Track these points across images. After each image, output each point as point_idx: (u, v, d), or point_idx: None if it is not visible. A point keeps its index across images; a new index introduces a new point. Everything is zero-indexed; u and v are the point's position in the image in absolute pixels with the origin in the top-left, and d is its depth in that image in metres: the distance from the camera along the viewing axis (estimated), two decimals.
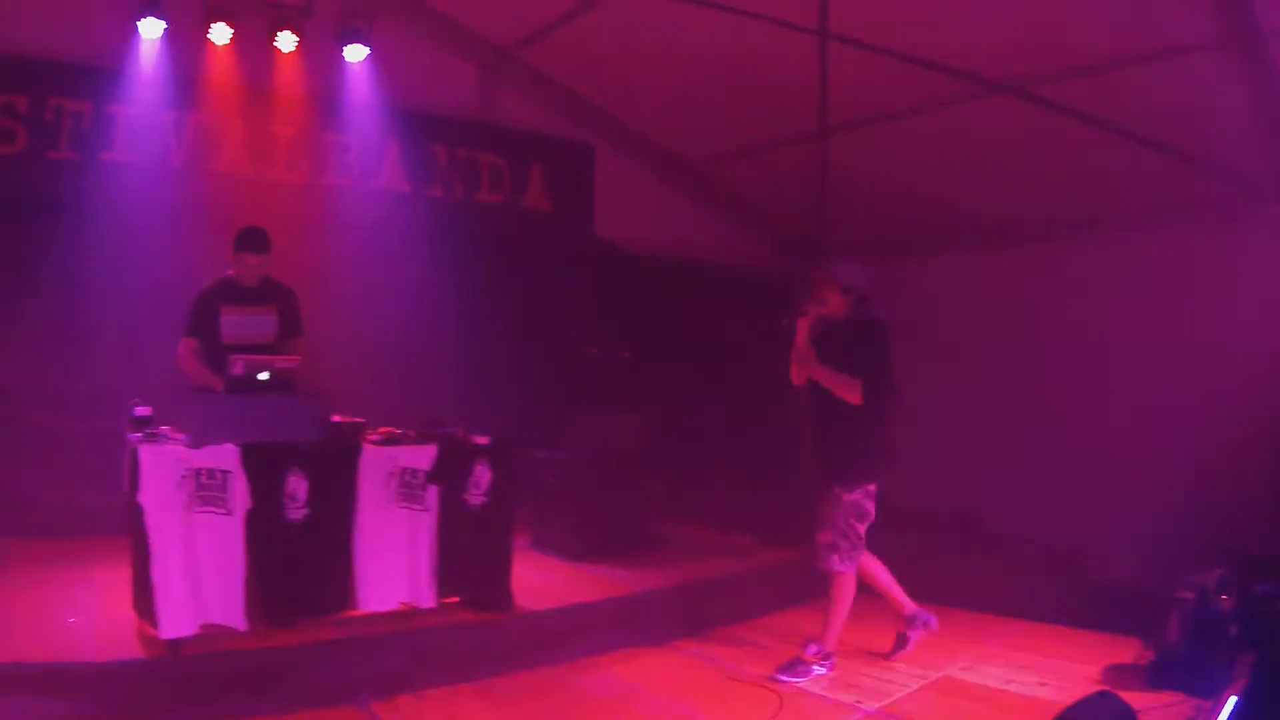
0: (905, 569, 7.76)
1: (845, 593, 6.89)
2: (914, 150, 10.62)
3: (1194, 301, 9.73)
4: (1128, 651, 7.18)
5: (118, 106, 9.13)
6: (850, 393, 6.63)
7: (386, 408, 7.63)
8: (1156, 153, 9.11)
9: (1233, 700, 5.53)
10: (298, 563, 6.29)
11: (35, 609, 6.47)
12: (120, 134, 9.15)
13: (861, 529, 6.82)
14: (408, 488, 6.78)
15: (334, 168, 10.48)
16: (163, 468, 5.84)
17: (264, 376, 6.45)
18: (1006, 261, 11.55)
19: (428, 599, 6.84)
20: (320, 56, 9.94)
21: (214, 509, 5.98)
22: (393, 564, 6.73)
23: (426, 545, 6.84)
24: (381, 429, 7.07)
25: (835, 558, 6.77)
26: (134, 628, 6.10)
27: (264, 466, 6.16)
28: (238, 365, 6.41)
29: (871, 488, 6.84)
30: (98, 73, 8.99)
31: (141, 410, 6.32)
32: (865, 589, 7.17)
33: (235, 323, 7.23)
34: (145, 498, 5.78)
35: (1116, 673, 6.95)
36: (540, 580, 8.05)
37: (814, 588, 7.37)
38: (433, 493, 6.85)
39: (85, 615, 6.40)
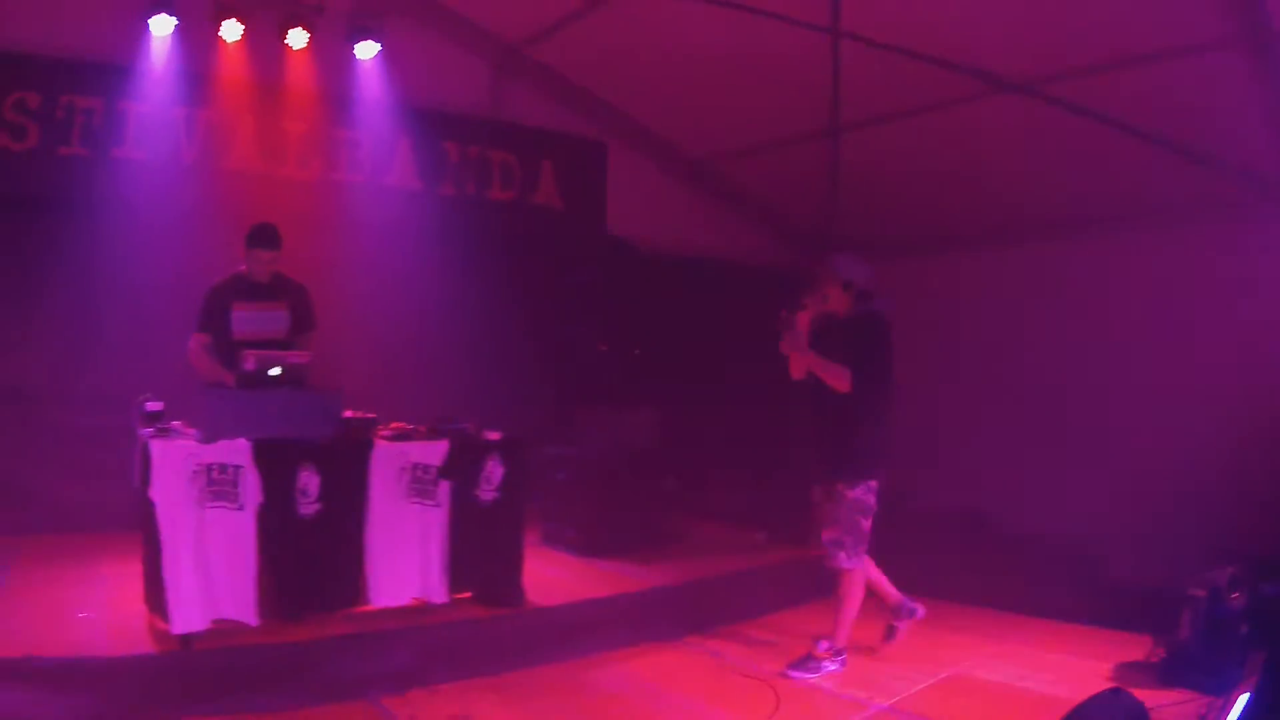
0: (915, 567, 7.77)
1: (854, 589, 6.89)
2: (925, 148, 10.58)
3: (1204, 300, 9.70)
4: (1139, 649, 7.15)
5: (129, 103, 9.14)
6: (839, 380, 6.62)
7: (398, 403, 7.64)
8: (1167, 151, 9.08)
9: (1244, 698, 5.52)
10: (309, 558, 6.30)
11: (47, 604, 6.49)
12: (131, 130, 9.16)
13: (866, 524, 6.80)
14: (419, 483, 6.79)
15: (345, 165, 10.48)
16: (174, 463, 5.85)
17: (275, 372, 6.46)
18: (1015, 260, 11.52)
19: (439, 594, 6.86)
20: (331, 53, 9.94)
21: (225, 504, 6.00)
22: (404, 559, 6.75)
23: (438, 540, 6.85)
24: (393, 424, 7.10)
25: (842, 554, 6.76)
26: (145, 622, 6.13)
27: (276, 462, 6.17)
28: (249, 361, 6.41)
29: (874, 483, 6.83)
30: (109, 69, 9.01)
31: (153, 405, 6.33)
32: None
33: (247, 318, 7.24)
34: (156, 493, 5.79)
35: (1128, 670, 6.94)
36: (551, 576, 8.06)
37: (825, 585, 7.35)
38: (444, 488, 6.86)
39: (97, 610, 6.43)
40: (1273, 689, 5.57)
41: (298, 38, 9.57)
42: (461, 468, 6.96)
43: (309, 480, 6.28)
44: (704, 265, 12.73)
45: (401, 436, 6.91)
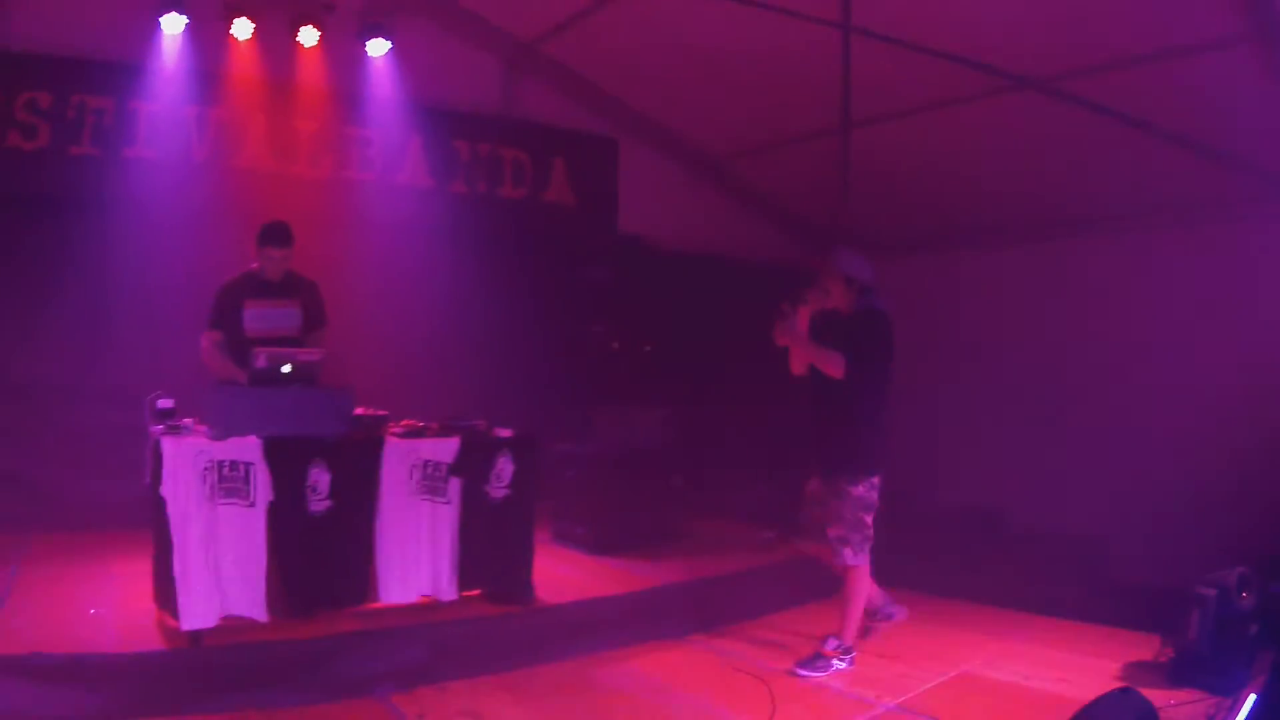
0: (923, 566, 7.74)
1: (860, 586, 6.86)
2: (937, 145, 10.57)
3: (1214, 299, 9.67)
4: (1147, 649, 7.11)
5: (140, 102, 9.18)
6: (833, 366, 6.58)
7: (409, 401, 7.67)
8: (1181, 148, 9.05)
9: (1252, 698, 5.50)
10: (319, 555, 6.30)
11: (57, 600, 6.52)
12: (142, 130, 9.20)
13: (869, 520, 6.78)
14: (430, 480, 6.79)
15: (356, 163, 10.51)
16: (185, 460, 5.86)
17: (287, 369, 6.46)
18: (1028, 258, 11.51)
19: (449, 591, 6.85)
20: (342, 51, 9.98)
21: (236, 501, 6.01)
22: (414, 556, 6.75)
23: (448, 537, 6.85)
24: (404, 422, 7.10)
25: (847, 551, 6.73)
26: (155, 619, 6.16)
27: (286, 459, 6.18)
28: (261, 358, 6.41)
29: (875, 480, 6.80)
30: (120, 69, 9.04)
31: (164, 403, 6.33)
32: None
33: (258, 315, 7.26)
34: (167, 490, 5.80)
35: (1136, 670, 6.91)
36: (561, 573, 8.07)
37: (833, 583, 7.32)
38: (455, 485, 6.85)
39: (107, 607, 6.45)
40: None
41: (308, 36, 9.60)
42: (472, 465, 6.95)
43: (320, 477, 6.29)
44: (716, 262, 12.72)
45: (412, 434, 6.91)
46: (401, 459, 6.69)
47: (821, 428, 6.94)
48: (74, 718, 5.24)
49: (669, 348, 12.22)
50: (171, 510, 5.79)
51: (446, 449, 6.86)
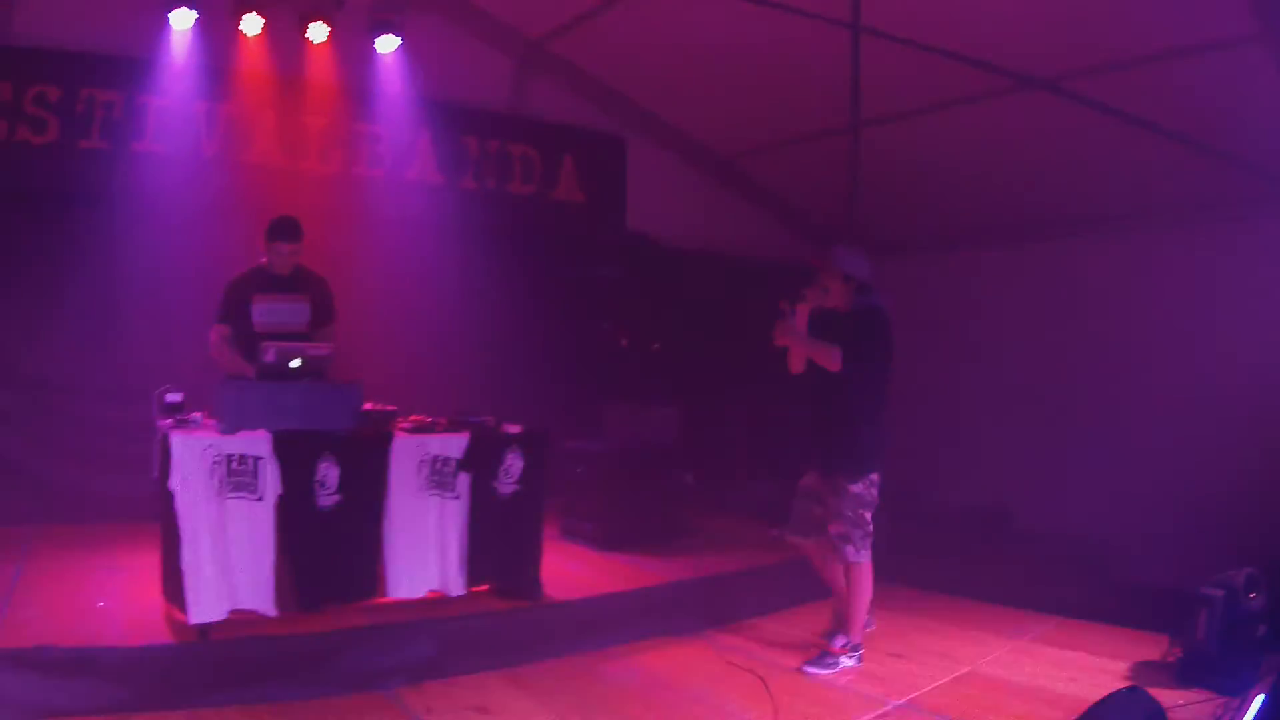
0: (931, 564, 7.72)
1: (864, 583, 6.83)
2: (945, 145, 10.57)
3: (1228, 299, 9.67)
4: (1155, 649, 7.09)
5: (149, 97, 9.20)
6: (830, 360, 6.58)
7: (418, 396, 7.65)
8: (1190, 149, 9.05)
9: (1260, 698, 5.48)
10: (328, 549, 6.29)
11: (64, 593, 6.52)
12: (151, 124, 9.23)
13: (869, 517, 6.77)
14: (439, 475, 6.78)
15: (366, 159, 10.53)
16: (193, 454, 5.84)
17: (296, 364, 6.46)
18: (1037, 257, 11.51)
19: (457, 586, 6.84)
20: (352, 47, 9.97)
21: (245, 495, 6.00)
22: (422, 551, 6.74)
23: (456, 533, 6.84)
24: (413, 417, 7.08)
25: (850, 548, 6.71)
26: (163, 613, 6.15)
27: (295, 453, 6.17)
28: (270, 353, 6.42)
29: (875, 477, 6.80)
30: (129, 63, 9.06)
31: (173, 397, 6.35)
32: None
33: (267, 310, 7.26)
34: (176, 483, 5.79)
35: (1144, 669, 6.88)
36: (570, 569, 8.06)
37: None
38: (464, 480, 6.84)
39: (114, 600, 6.45)
40: None
41: (318, 32, 9.58)
42: (481, 460, 6.94)
43: (328, 472, 6.28)
44: (724, 261, 12.74)
45: (421, 429, 6.90)
46: (410, 454, 6.68)
47: (821, 425, 6.93)
48: (82, 711, 5.22)
49: (677, 345, 12.22)
50: (180, 504, 5.78)
51: (455, 444, 6.85)
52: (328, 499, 6.28)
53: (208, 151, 9.57)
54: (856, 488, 6.70)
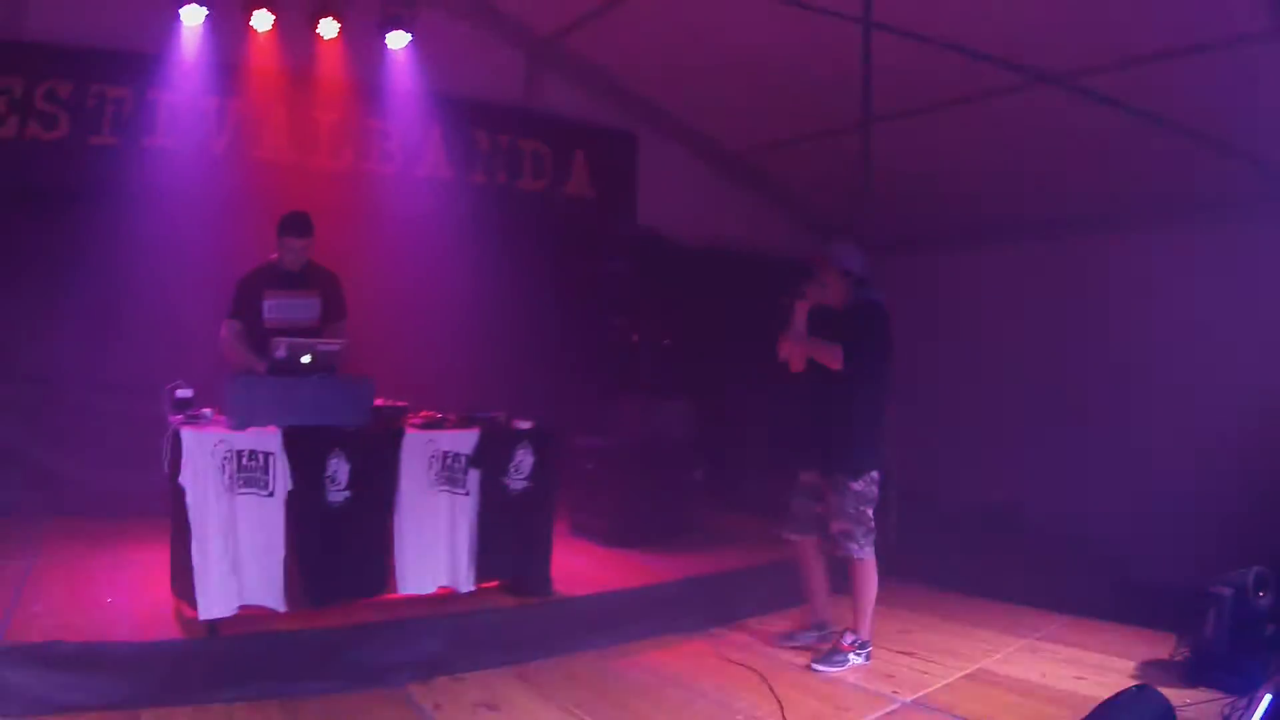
0: (940, 562, 7.70)
1: (868, 579, 6.83)
2: (958, 142, 10.54)
3: (1240, 298, 9.62)
4: (1163, 647, 7.06)
5: (159, 92, 9.21)
6: (832, 359, 6.60)
7: (428, 392, 7.66)
8: (1204, 146, 9.00)
9: (1268, 697, 5.45)
10: (338, 545, 6.29)
11: (74, 589, 6.52)
12: (162, 120, 9.23)
13: (870, 513, 6.78)
14: (449, 471, 6.77)
15: (376, 154, 10.52)
16: (204, 449, 5.85)
17: (307, 359, 6.46)
18: (1048, 255, 11.47)
19: (466, 583, 6.84)
20: (362, 43, 9.97)
21: (255, 490, 6.00)
22: (432, 547, 6.74)
23: (466, 529, 6.83)
24: (423, 413, 7.09)
25: (853, 546, 6.71)
26: (172, 608, 6.15)
27: (306, 449, 6.17)
28: (281, 348, 6.41)
29: (875, 474, 6.80)
30: (139, 59, 9.06)
31: (183, 392, 6.35)
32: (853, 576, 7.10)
33: (278, 306, 7.27)
34: (186, 479, 5.79)
35: (1152, 668, 6.86)
36: (580, 566, 8.06)
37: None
38: (474, 476, 6.83)
39: (124, 595, 6.46)
40: None
41: (328, 27, 9.59)
42: (491, 456, 6.93)
43: (339, 468, 6.28)
44: (735, 257, 12.70)
45: (431, 425, 6.90)
46: (420, 450, 6.68)
47: (820, 423, 6.93)
48: (91, 706, 5.22)
49: (688, 341, 12.19)
50: (190, 499, 5.78)
51: (466, 440, 6.85)
52: (338, 495, 6.28)
53: (218, 147, 9.57)
54: (858, 485, 6.71)
